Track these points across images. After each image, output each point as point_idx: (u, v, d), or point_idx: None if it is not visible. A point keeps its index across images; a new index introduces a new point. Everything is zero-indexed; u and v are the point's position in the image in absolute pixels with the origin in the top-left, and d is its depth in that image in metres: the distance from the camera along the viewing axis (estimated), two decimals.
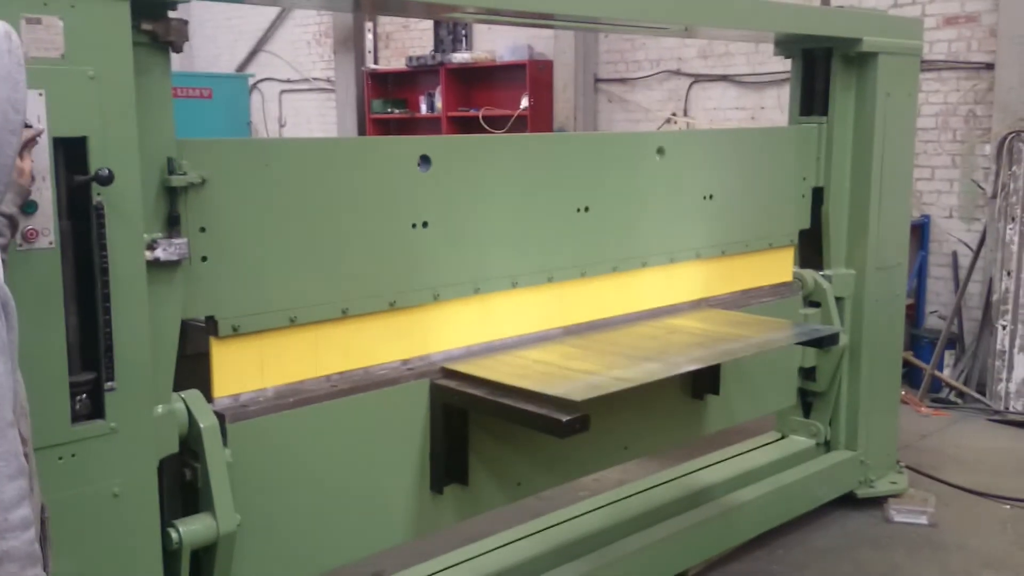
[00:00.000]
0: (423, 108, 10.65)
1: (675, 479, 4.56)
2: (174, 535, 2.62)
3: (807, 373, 4.82)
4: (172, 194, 2.60)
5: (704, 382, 4.09)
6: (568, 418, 2.86)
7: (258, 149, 2.88)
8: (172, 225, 2.60)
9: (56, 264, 2.33)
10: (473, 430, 3.30)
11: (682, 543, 4.09)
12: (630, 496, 4.35)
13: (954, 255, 7.24)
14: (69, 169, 2.34)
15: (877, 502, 4.91)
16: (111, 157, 2.37)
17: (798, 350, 4.63)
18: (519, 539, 3.92)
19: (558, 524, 4.05)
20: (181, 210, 2.63)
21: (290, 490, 2.92)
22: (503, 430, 3.35)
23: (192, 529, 2.64)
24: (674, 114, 8.73)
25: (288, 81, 12.49)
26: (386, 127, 10.94)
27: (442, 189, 3.26)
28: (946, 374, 6.99)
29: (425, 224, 3.23)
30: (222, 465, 2.69)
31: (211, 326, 2.79)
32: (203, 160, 2.68)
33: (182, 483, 2.73)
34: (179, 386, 2.73)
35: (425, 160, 3.22)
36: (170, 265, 2.59)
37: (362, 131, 11.02)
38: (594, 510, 4.19)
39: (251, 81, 11.76)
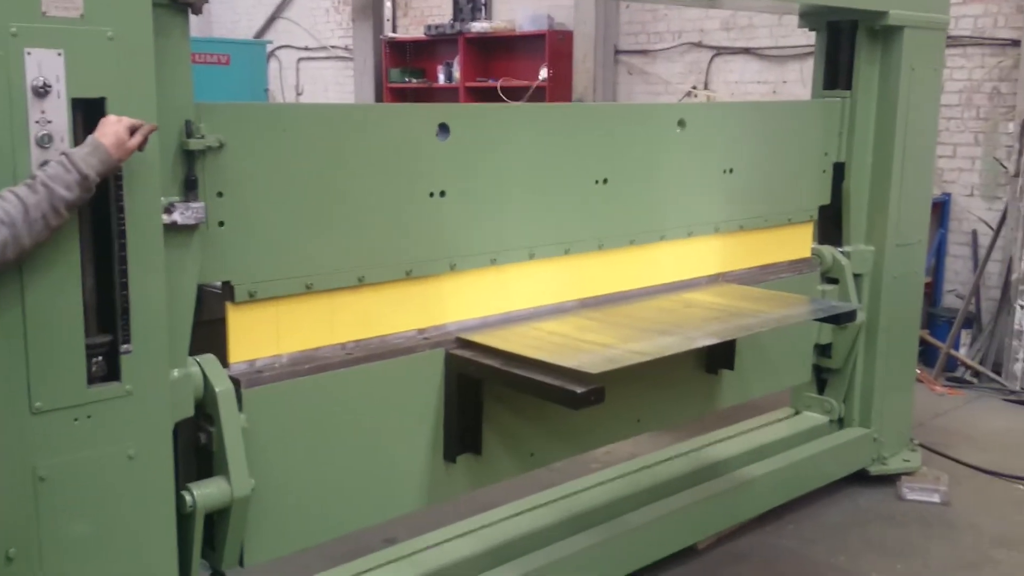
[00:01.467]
0: (441, 78, 10.58)
1: (687, 453, 4.56)
2: (188, 498, 2.63)
3: (822, 350, 4.80)
4: (190, 158, 2.59)
5: (719, 357, 4.07)
6: (583, 390, 2.86)
7: (276, 114, 2.86)
8: (189, 189, 2.59)
9: (74, 225, 2.32)
10: (487, 400, 3.30)
11: (692, 516, 4.09)
12: (641, 469, 4.35)
13: (974, 234, 7.17)
14: (87, 130, 2.33)
15: (890, 479, 4.90)
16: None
17: (814, 326, 4.60)
18: (530, 509, 3.92)
19: (569, 495, 4.06)
20: (199, 174, 2.62)
21: (304, 456, 2.93)
22: (517, 400, 3.35)
23: (206, 492, 2.65)
24: (695, 87, 8.64)
25: (306, 49, 12.43)
26: (403, 96, 10.88)
27: (460, 158, 3.24)
28: (962, 353, 6.94)
29: (443, 193, 3.21)
30: (237, 429, 2.70)
31: (227, 291, 2.79)
32: (221, 124, 2.67)
33: (197, 447, 2.74)
34: (195, 351, 2.73)
35: (444, 128, 3.19)
36: (187, 229, 2.59)
37: (379, 100, 10.97)
38: (605, 482, 4.19)
39: (269, 48, 11.70)
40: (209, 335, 2.83)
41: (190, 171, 2.59)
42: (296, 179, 2.87)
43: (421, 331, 3.23)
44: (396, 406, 3.13)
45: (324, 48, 12.22)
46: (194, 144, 2.58)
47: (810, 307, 4.01)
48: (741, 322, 3.63)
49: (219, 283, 2.78)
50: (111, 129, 2.26)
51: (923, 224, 4.99)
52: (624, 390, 3.60)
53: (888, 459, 4.97)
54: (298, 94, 12.39)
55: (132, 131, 2.29)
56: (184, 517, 2.66)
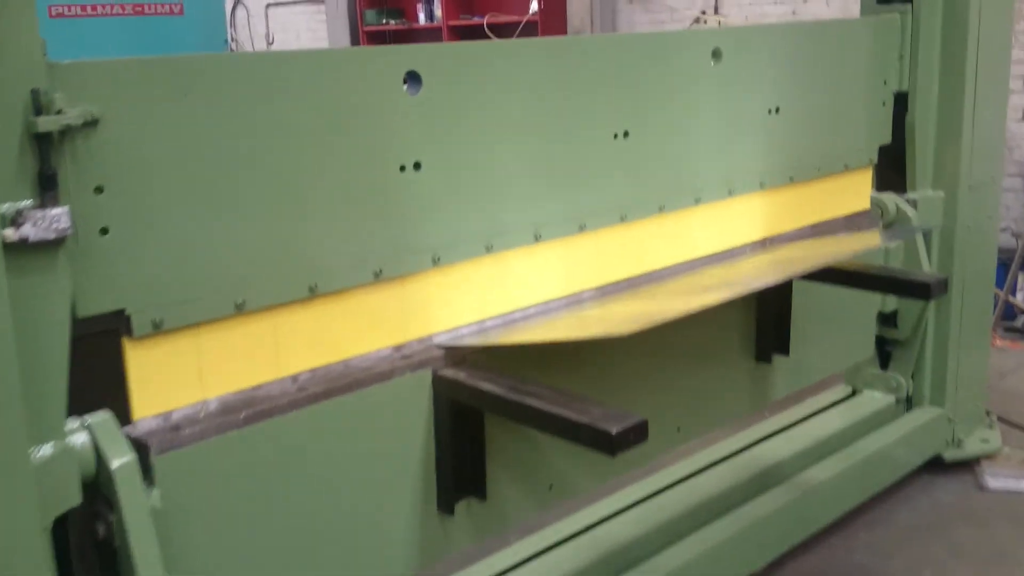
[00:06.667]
0: (421, 18, 9.74)
1: (729, 456, 3.80)
2: None
3: (885, 319, 4.04)
4: (43, 144, 1.79)
5: (771, 340, 3.35)
6: (619, 429, 2.10)
7: (173, 72, 2.02)
8: (46, 189, 1.80)
9: None
10: (491, 430, 2.56)
11: (745, 542, 3.36)
12: (675, 483, 3.60)
13: None
14: None
15: (968, 465, 4.17)
16: None
17: (876, 295, 3.87)
18: (541, 552, 3.20)
19: (590, 527, 3.31)
20: (60, 166, 1.83)
21: (248, 536, 2.18)
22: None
23: None
24: (703, 12, 7.78)
25: None
26: (381, 39, 10.01)
27: (438, 117, 2.43)
28: (1020, 299, 6.20)
29: (417, 165, 2.41)
30: (143, 514, 1.93)
31: (122, 323, 2.02)
32: (92, 91, 1.87)
33: (95, 543, 1.99)
34: (92, 407, 1.97)
35: (414, 78, 2.38)
36: (46, 246, 1.80)
37: (355, 45, 10.09)
38: (631, 506, 3.45)
39: None
40: (109, 384, 2.07)
41: (45, 163, 1.80)
42: (212, 160, 2.07)
43: (398, 348, 2.46)
44: (372, 453, 2.38)
45: None
46: (46, 124, 1.77)
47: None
48: (802, 265, 2.99)
49: (109, 312, 2.00)
50: None
51: (998, 159, 4.20)
52: (660, 396, 2.92)
53: (964, 441, 4.23)
54: (268, 44, 11.49)
55: None
56: None
